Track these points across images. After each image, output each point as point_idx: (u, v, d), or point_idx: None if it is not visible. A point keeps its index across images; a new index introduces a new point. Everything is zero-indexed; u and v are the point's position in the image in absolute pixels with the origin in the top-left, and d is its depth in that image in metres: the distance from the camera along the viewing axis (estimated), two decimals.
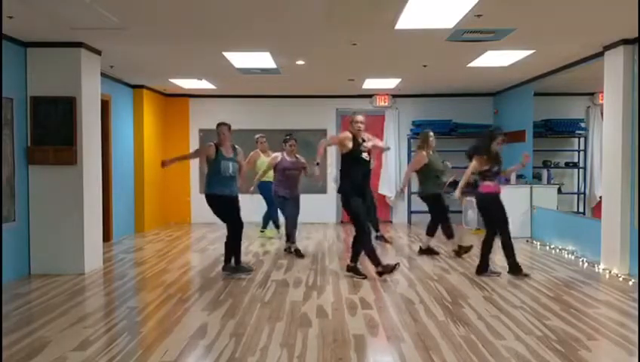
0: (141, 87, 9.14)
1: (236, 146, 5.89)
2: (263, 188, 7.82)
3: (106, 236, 7.70)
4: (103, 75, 6.92)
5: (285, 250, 7.12)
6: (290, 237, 7.06)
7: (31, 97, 5.88)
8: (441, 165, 6.96)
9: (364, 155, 5.59)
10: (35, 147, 5.88)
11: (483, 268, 5.77)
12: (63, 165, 5.91)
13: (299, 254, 6.87)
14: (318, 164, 5.79)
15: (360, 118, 5.58)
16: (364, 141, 5.60)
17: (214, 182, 5.70)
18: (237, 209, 5.81)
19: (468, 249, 6.86)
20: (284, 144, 7.15)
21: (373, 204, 7.46)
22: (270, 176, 7.42)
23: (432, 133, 6.91)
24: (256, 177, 7.67)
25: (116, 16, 4.87)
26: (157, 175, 9.81)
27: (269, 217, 8.34)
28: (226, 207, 5.74)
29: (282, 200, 7.12)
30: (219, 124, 5.84)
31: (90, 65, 6.14)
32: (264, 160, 7.85)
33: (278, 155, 7.16)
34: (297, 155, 7.15)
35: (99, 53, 6.30)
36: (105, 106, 7.65)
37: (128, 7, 4.68)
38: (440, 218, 6.87)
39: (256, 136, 8.38)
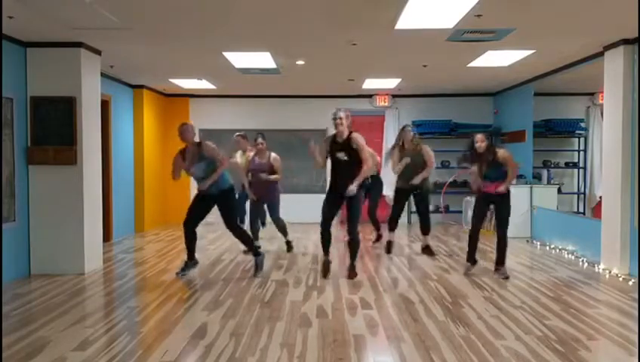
0: (141, 87, 9.13)
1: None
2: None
3: (106, 236, 7.70)
4: (103, 75, 6.92)
5: (244, 252, 6.84)
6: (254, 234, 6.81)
7: (31, 97, 5.88)
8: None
9: (340, 155, 5.50)
10: (35, 147, 5.88)
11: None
12: (63, 165, 5.91)
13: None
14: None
15: (341, 114, 5.46)
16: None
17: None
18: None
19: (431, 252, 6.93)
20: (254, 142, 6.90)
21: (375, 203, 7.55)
22: None
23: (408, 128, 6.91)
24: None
25: (116, 16, 4.87)
26: (157, 175, 9.81)
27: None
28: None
29: (252, 205, 6.90)
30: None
31: (90, 65, 6.14)
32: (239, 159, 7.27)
33: (251, 155, 6.90)
34: (273, 155, 6.80)
35: (99, 53, 6.30)
36: (105, 106, 7.65)
37: (128, 7, 4.68)
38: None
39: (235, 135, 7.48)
